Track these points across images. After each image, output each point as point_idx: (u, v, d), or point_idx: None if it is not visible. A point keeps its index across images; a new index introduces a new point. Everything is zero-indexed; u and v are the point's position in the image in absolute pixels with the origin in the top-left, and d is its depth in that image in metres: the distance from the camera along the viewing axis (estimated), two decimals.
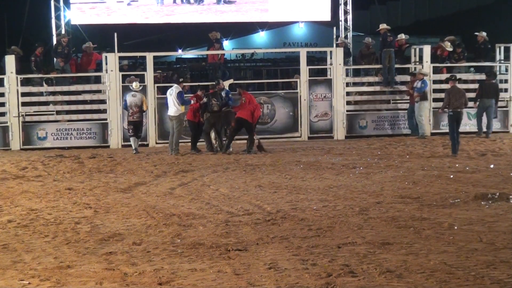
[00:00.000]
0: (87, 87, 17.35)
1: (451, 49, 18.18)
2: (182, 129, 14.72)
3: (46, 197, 9.34)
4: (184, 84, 15.29)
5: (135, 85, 15.20)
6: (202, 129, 14.96)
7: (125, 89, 16.84)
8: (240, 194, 9.19)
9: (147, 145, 16.84)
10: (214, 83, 15.39)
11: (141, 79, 17.26)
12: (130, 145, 16.09)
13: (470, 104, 15.57)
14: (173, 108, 14.53)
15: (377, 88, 18.02)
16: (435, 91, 17.56)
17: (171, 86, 15.04)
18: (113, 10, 20.19)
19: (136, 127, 15.00)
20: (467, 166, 11.42)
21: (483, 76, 17.71)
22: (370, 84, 17.91)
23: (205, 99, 14.72)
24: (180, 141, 14.84)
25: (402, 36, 18.34)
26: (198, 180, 10.64)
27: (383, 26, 17.92)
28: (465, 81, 17.47)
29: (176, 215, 7.69)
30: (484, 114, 16.72)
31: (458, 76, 17.16)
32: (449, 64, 18.17)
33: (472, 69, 18.41)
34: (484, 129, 16.73)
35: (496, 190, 8.65)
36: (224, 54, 20.43)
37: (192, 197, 9.02)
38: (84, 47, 18.08)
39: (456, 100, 13.28)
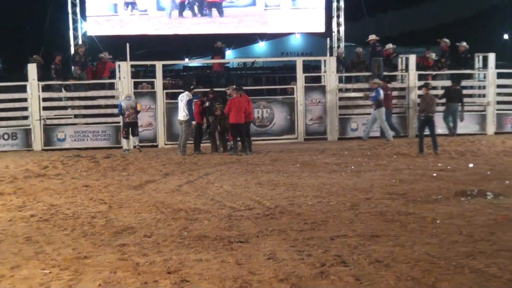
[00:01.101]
0: (101, 93, 17.37)
1: (436, 59, 18.24)
2: (190, 132, 14.74)
3: (65, 193, 9.35)
4: (195, 90, 15.29)
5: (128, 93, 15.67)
6: (203, 132, 15.00)
7: (137, 95, 16.88)
8: (241, 190, 9.20)
9: (157, 146, 16.86)
10: (213, 89, 15.48)
11: (151, 85, 17.33)
12: (142, 146, 16.20)
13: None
14: (182, 113, 14.55)
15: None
16: (420, 96, 17.54)
17: (181, 93, 15.01)
18: (126, 23, 20.26)
19: (132, 128, 15.38)
20: (449, 165, 11.43)
21: (465, 83, 17.77)
22: (360, 90, 17.91)
23: (207, 104, 14.79)
24: (187, 142, 14.84)
25: (389, 46, 18.37)
26: (203, 178, 10.67)
27: (372, 36, 17.95)
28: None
29: (183, 210, 7.70)
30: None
31: (440, 83, 17.26)
32: (433, 72, 18.19)
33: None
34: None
35: (475, 187, 8.65)
36: (227, 62, 20.49)
37: (198, 194, 9.03)
38: (100, 56, 18.12)
39: (430, 106, 13.52)
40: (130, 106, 15.28)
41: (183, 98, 14.53)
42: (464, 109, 16.89)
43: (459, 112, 16.78)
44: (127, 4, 20.11)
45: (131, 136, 15.47)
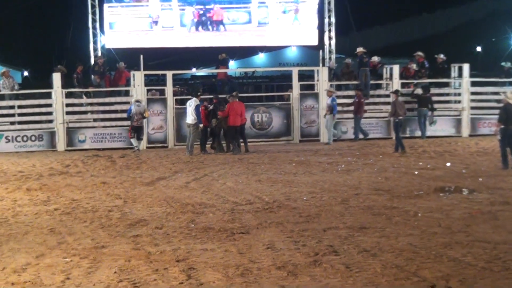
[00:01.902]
0: (118, 99, 17.32)
1: (417, 69, 18.25)
2: (197, 134, 14.68)
3: (85, 189, 9.32)
4: (202, 97, 15.27)
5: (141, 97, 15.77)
6: (208, 133, 15.00)
7: (150, 101, 16.85)
8: (243, 187, 9.18)
9: (167, 146, 16.83)
10: (217, 95, 15.51)
11: (162, 92, 17.30)
12: (154, 147, 16.26)
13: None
14: (191, 117, 14.49)
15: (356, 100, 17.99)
16: (406, 102, 17.57)
17: (189, 99, 14.98)
18: (143, 37, 20.35)
19: (138, 131, 15.47)
20: (429, 164, 11.40)
21: (442, 90, 17.78)
22: (350, 97, 17.87)
23: (211, 107, 14.82)
24: (194, 144, 14.80)
25: (375, 58, 18.33)
26: (208, 176, 10.64)
27: (360, 49, 17.91)
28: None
29: (191, 204, 7.67)
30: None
31: (420, 90, 17.31)
32: (414, 80, 18.16)
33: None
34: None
35: (452, 184, 8.62)
36: (230, 72, 20.46)
37: (203, 190, 9.01)
38: (118, 66, 18.11)
39: (400, 110, 13.76)
40: (138, 112, 15.35)
41: (192, 103, 14.49)
42: (434, 114, 17.22)
43: (428, 116, 17.13)
44: (152, 22, 20.22)
45: (137, 139, 15.58)
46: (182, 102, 16.94)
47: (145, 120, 16.13)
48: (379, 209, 7.05)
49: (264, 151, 14.85)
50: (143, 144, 16.49)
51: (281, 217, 6.72)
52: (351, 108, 17.19)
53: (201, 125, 14.41)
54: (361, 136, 16.95)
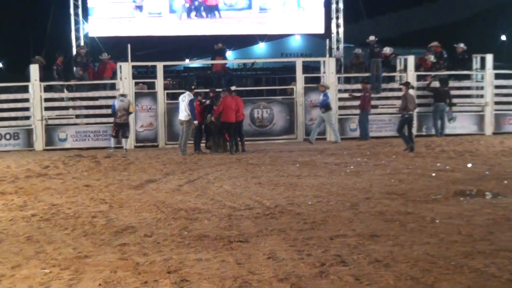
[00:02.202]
0: (103, 93, 17.34)
1: (434, 61, 18.26)
2: (190, 132, 14.70)
3: (66, 193, 9.32)
4: (196, 90, 15.26)
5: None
6: (203, 131, 15.00)
7: (138, 96, 16.86)
8: (241, 190, 9.18)
9: (157, 145, 16.84)
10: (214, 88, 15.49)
11: (152, 86, 17.30)
12: (143, 146, 16.26)
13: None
14: (184, 113, 14.50)
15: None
16: (419, 97, 17.61)
17: (183, 93, 14.98)
18: (128, 24, 20.25)
19: (123, 129, 15.46)
20: (447, 165, 11.40)
21: (463, 83, 17.81)
22: (359, 91, 17.88)
23: (207, 102, 14.83)
24: (188, 142, 14.81)
25: (386, 50, 18.32)
26: (203, 178, 10.64)
27: (371, 38, 17.95)
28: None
29: (184, 210, 7.66)
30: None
31: (437, 83, 17.33)
32: (431, 73, 18.18)
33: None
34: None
35: (473, 187, 8.61)
36: (226, 64, 20.47)
37: (198, 193, 9.00)
38: (101, 57, 18.11)
39: (411, 104, 13.78)
40: (122, 108, 15.36)
41: (185, 98, 14.50)
42: (452, 109, 17.24)
43: (447, 112, 17.12)
44: (136, 7, 20.15)
45: (123, 138, 15.55)
46: (174, 96, 16.97)
47: (132, 117, 16.14)
48: (392, 214, 7.04)
49: (265, 151, 14.85)
50: (130, 143, 16.50)
51: (283, 223, 6.71)
52: (356, 103, 17.16)
53: (195, 122, 14.41)
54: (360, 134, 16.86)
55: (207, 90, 15.89)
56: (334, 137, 16.54)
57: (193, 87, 15.16)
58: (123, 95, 15.66)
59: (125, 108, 15.39)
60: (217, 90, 15.55)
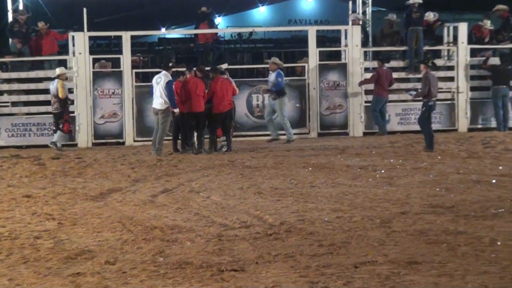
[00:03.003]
0: (49, 73, 17.24)
1: (491, 28, 18.24)
2: (168, 125, 14.67)
3: None
4: (175, 69, 15.24)
5: (59, 71, 15.60)
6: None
7: (98, 76, 16.84)
8: (236, 202, 9.16)
9: (123, 143, 16.84)
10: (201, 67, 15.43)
11: (116, 63, 17.28)
12: (104, 144, 16.28)
13: None
14: (159, 100, 14.44)
15: (402, 75, 18.01)
16: (473, 78, 17.62)
17: (158, 72, 14.95)
18: None
19: (55, 120, 15.58)
20: None
21: None
22: (393, 69, 17.87)
23: None
24: (164, 138, 14.80)
25: (430, 15, 18.29)
26: (185, 186, 10.63)
27: None
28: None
29: (158, 228, 7.65)
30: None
31: (497, 60, 17.32)
32: (489, 46, 18.18)
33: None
34: None
35: None
36: (216, 33, 20.46)
37: (177, 206, 8.98)
38: (36, 28, 17.89)
39: (434, 88, 13.89)
40: (52, 93, 15.46)
41: (161, 79, 14.48)
42: None
43: (511, 98, 17.18)
44: None
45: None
46: (147, 77, 16.95)
47: (87, 104, 16.16)
48: (437, 234, 7.04)
49: (267, 150, 14.86)
50: (87, 139, 16.48)
51: (291, 246, 6.71)
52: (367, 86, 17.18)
53: (176, 111, 14.38)
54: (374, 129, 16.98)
55: (194, 68, 15.66)
56: (286, 134, 16.28)
57: (171, 64, 15.13)
58: (57, 77, 15.54)
59: (54, 94, 15.38)
60: (207, 69, 15.51)
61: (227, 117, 14.77)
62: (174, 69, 15.19)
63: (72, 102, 16.19)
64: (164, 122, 14.55)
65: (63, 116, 15.61)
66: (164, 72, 14.64)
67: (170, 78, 14.50)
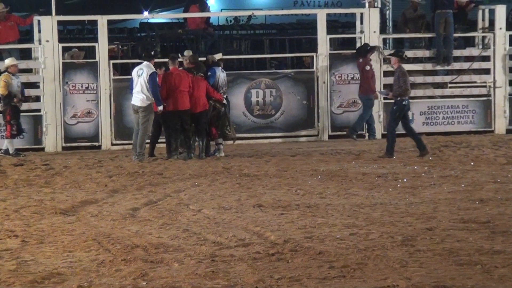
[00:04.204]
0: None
1: None
2: (150, 125, 14.67)
3: None
4: (159, 60, 15.25)
5: (8, 61, 15.63)
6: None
7: (68, 68, 16.84)
8: (232, 216, 9.18)
9: (99, 147, 16.83)
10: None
11: (91, 53, 17.28)
12: (76, 148, 16.30)
13: None
14: (141, 96, 14.42)
15: (428, 66, 18.01)
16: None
17: (139, 63, 14.96)
18: None
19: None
20: None
21: None
22: (418, 60, 17.89)
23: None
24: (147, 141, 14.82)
25: None
26: (172, 197, 10.64)
27: None
28: None
29: (141, 247, 7.66)
30: None
31: None
32: None
33: None
34: None
35: None
36: (209, 18, 20.50)
37: (163, 221, 8.99)
38: None
39: (408, 84, 14.20)
40: None
41: (142, 71, 14.48)
42: None
43: None
44: None
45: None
46: (126, 69, 16.97)
47: (55, 100, 16.22)
48: (469, 254, 7.05)
49: (269, 155, 14.89)
50: (55, 142, 16.49)
51: (297, 268, 6.73)
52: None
53: (160, 108, 14.38)
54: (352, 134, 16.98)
55: (183, 56, 15.60)
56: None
57: (153, 53, 15.14)
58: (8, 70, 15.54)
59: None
60: (200, 59, 15.50)
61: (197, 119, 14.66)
62: (158, 60, 15.21)
63: (39, 99, 16.16)
64: (145, 121, 14.53)
65: (5, 117, 15.56)
66: (146, 63, 14.64)
67: (154, 69, 14.48)
